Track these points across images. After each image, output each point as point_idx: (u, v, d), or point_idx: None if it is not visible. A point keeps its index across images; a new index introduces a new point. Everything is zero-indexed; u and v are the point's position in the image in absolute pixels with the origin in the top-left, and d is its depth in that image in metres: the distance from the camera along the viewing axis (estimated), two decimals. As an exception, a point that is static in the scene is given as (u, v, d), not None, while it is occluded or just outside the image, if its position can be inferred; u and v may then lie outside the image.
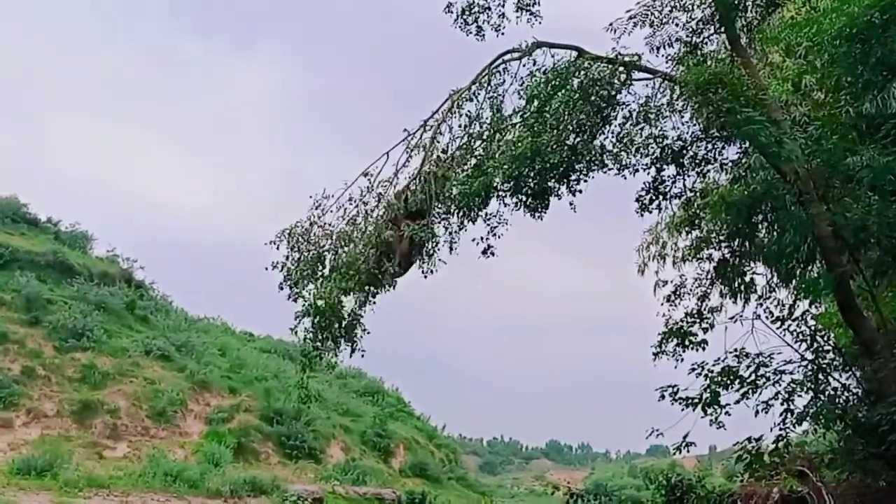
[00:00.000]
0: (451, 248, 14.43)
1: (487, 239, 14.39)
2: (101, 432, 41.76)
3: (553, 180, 13.43)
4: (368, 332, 14.53)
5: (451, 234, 14.39)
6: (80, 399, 42.62)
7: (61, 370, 44.07)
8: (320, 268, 14.29)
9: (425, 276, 14.63)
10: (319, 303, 13.56)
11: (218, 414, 47.22)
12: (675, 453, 13.79)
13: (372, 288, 14.23)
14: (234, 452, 43.33)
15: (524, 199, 13.68)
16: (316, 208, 14.48)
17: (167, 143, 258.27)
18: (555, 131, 12.78)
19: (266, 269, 14.44)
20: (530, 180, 13.25)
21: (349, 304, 14.17)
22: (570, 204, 13.97)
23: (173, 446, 42.82)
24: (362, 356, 14.68)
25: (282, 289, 14.22)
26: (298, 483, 42.07)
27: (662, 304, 15.41)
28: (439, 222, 14.32)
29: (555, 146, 12.77)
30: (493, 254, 14.44)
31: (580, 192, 13.70)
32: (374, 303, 14.45)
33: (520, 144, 12.71)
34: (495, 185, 13.20)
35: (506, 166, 12.78)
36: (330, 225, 14.47)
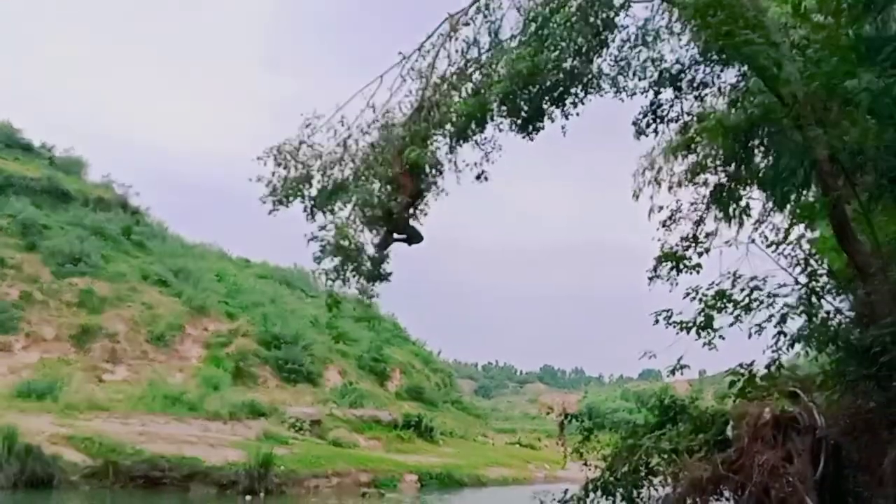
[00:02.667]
0: (456, 177, 14.33)
1: (481, 164, 14.35)
2: (100, 356, 42.20)
3: (548, 103, 13.32)
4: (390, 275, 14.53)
5: (451, 161, 14.30)
6: (79, 323, 43.00)
7: (59, 295, 44.36)
8: (308, 187, 14.18)
9: (424, 208, 14.60)
10: (343, 243, 13.46)
11: (216, 338, 47.72)
12: (667, 376, 13.89)
13: (392, 229, 14.13)
14: (232, 376, 43.95)
15: (518, 121, 13.58)
16: (306, 127, 14.34)
17: (159, 67, 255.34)
18: (552, 53, 12.62)
19: (249, 180, 14.31)
20: (525, 102, 13.14)
21: (367, 239, 14.09)
22: (562, 128, 13.88)
23: (172, 370, 43.33)
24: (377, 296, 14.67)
25: (264, 202, 14.12)
26: (296, 406, 42.73)
27: (658, 229, 15.35)
28: (438, 149, 14.22)
29: (552, 68, 12.63)
30: (486, 178, 14.40)
31: (576, 115, 13.58)
32: (393, 241, 14.38)
33: (517, 63, 12.53)
34: (491, 107, 13.08)
35: (502, 84, 12.61)
36: (320, 145, 14.34)
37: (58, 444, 28.29)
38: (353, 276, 14.05)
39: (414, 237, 14.61)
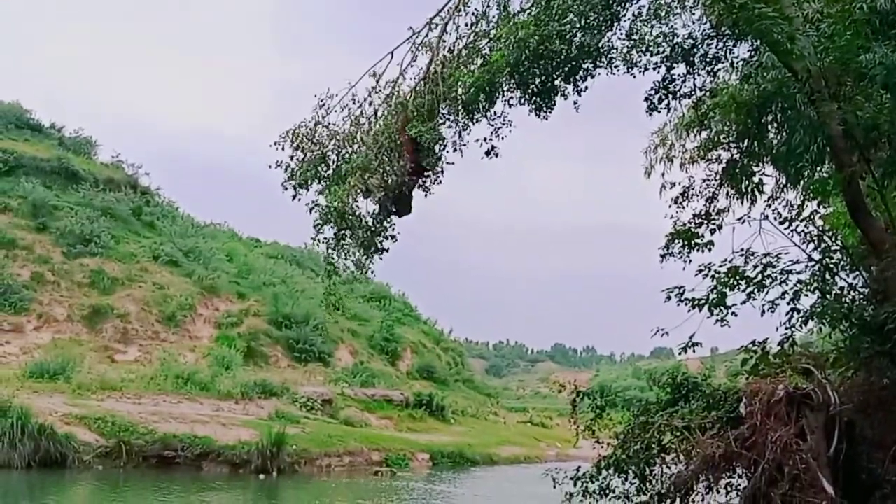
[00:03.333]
0: (460, 151, 14.28)
1: (491, 140, 14.30)
2: (111, 336, 42.44)
3: (559, 77, 13.24)
4: (395, 240, 14.49)
5: (458, 134, 14.25)
6: (90, 304, 43.20)
7: (70, 275, 44.57)
8: (324, 168, 14.19)
9: (430, 184, 14.56)
10: (336, 204, 13.44)
11: (227, 318, 47.88)
12: (680, 354, 13.82)
13: (390, 196, 14.08)
14: (243, 356, 44.07)
15: (529, 96, 13.51)
16: (320, 107, 14.35)
17: (169, 50, 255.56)
18: (560, 26, 12.54)
19: (269, 167, 14.35)
20: (535, 76, 13.05)
21: (366, 209, 14.08)
22: (574, 104, 13.80)
23: (183, 350, 43.51)
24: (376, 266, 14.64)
25: (285, 189, 14.17)
26: (308, 385, 42.86)
27: (670, 206, 15.28)
28: (445, 123, 14.15)
29: (562, 40, 12.55)
30: (496, 155, 14.36)
31: (586, 89, 13.49)
32: (394, 212, 14.36)
33: (524, 30, 12.41)
34: (500, 79, 13.00)
35: (511, 54, 12.49)
36: (334, 125, 14.35)
37: (70, 425, 28.48)
38: (351, 246, 14.10)
39: (403, 210, 14.54)
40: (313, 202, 13.82)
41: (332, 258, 14.44)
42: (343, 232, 13.84)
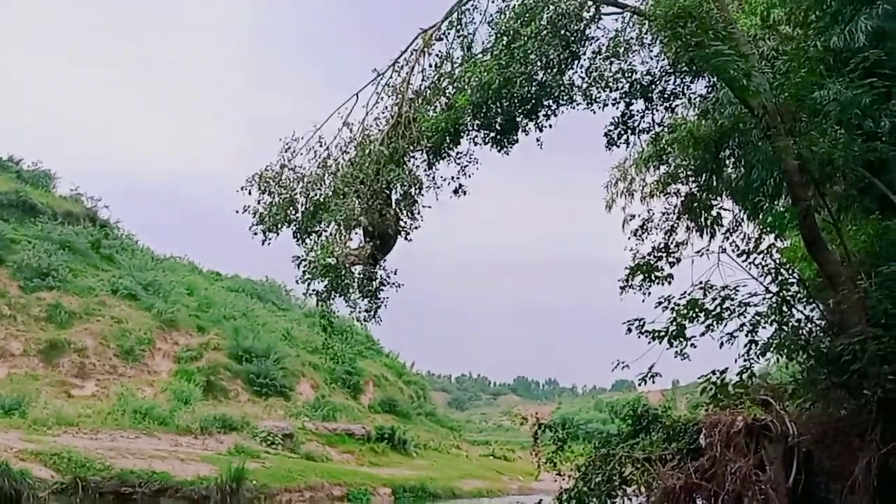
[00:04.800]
0: (435, 193, 14.39)
1: (458, 178, 14.43)
2: (68, 371, 41.74)
3: (521, 115, 13.42)
4: (395, 286, 14.49)
5: (431, 177, 14.37)
6: (47, 338, 42.49)
7: (27, 309, 43.83)
8: (293, 212, 14.18)
9: (410, 229, 14.63)
10: (330, 261, 13.39)
11: (186, 352, 47.32)
12: (640, 384, 13.95)
13: (377, 242, 14.08)
14: (203, 390, 43.56)
15: (492, 134, 13.67)
16: (286, 151, 14.37)
17: (129, 86, 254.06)
18: (523, 66, 12.70)
19: (237, 212, 14.32)
20: (498, 116, 13.22)
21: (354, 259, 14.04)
22: (537, 140, 13.98)
23: (142, 384, 42.91)
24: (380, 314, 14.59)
25: (255, 234, 14.14)
26: (269, 420, 42.44)
27: (630, 239, 15.50)
28: (417, 166, 14.26)
29: (524, 81, 12.72)
30: (464, 193, 14.53)
31: (549, 126, 13.68)
32: (383, 259, 14.37)
33: (487, 74, 12.59)
34: (465, 121, 13.14)
35: (474, 96, 12.65)
36: (301, 167, 14.36)
37: (26, 461, 27.89)
38: (343, 297, 14.03)
39: (385, 253, 14.57)
40: (299, 258, 13.70)
41: (326, 312, 14.35)
42: (337, 285, 13.74)
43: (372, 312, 14.49)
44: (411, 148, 13.83)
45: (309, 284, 13.53)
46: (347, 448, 43.59)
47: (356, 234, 13.89)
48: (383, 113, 14.46)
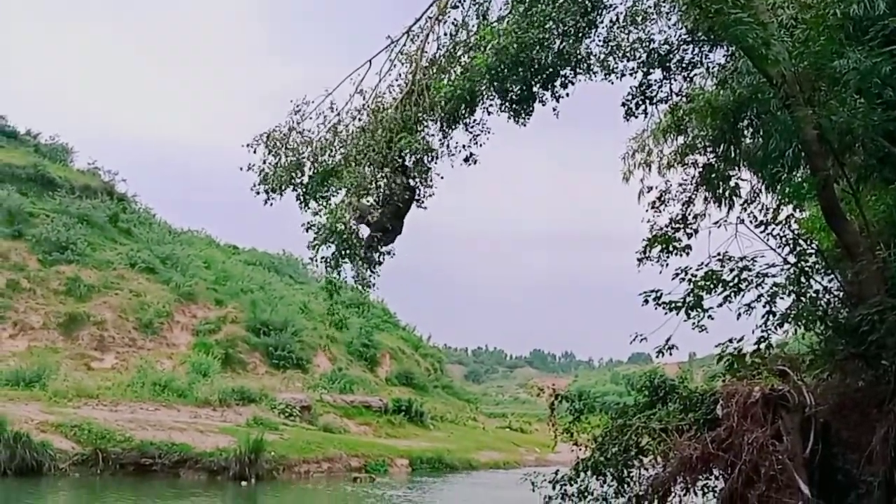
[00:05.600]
0: (450, 161, 14.31)
1: (469, 147, 14.35)
2: (87, 344, 42.18)
3: (538, 85, 13.32)
4: (389, 255, 14.44)
5: (445, 144, 14.29)
6: (66, 311, 42.93)
7: (46, 283, 44.26)
8: (299, 175, 14.12)
9: (423, 197, 14.58)
10: (338, 227, 13.35)
11: (204, 325, 47.67)
12: (657, 356, 13.89)
13: (388, 210, 14.01)
14: (221, 363, 43.87)
15: (508, 103, 13.58)
16: (295, 113, 14.29)
17: (143, 57, 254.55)
18: (540, 33, 12.59)
19: (241, 168, 14.26)
20: (515, 84, 13.12)
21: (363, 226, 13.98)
22: (554, 110, 13.87)
23: (161, 357, 43.30)
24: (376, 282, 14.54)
25: (257, 193, 14.09)
26: (286, 392, 42.78)
27: (647, 211, 15.39)
28: (429, 133, 14.17)
29: (540, 48, 12.61)
30: (475, 162, 14.44)
31: (566, 96, 13.56)
32: (397, 228, 14.32)
33: (504, 39, 12.46)
34: (480, 88, 13.04)
35: (490, 61, 12.52)
36: (310, 132, 14.29)
37: (47, 432, 28.33)
38: (350, 263, 14.01)
39: (396, 230, 14.50)
40: (309, 223, 13.67)
41: (334, 278, 14.35)
42: (344, 252, 13.72)
43: (369, 278, 14.41)
44: (425, 116, 13.74)
45: (317, 251, 13.53)
46: (365, 420, 43.93)
47: (367, 202, 13.84)
48: (397, 80, 14.36)
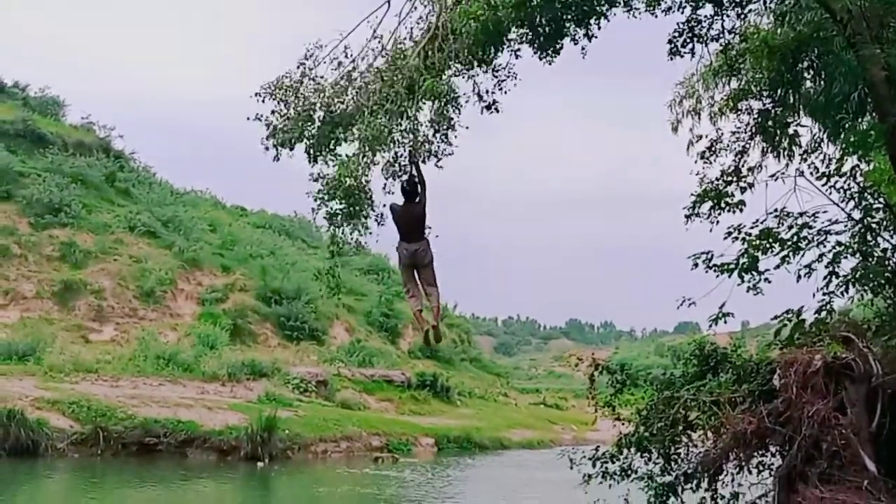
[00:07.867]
0: (480, 108, 14.19)
1: (493, 93, 14.21)
2: (84, 314, 42.50)
3: (570, 20, 13.18)
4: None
5: (473, 90, 14.17)
6: (61, 279, 43.24)
7: (39, 248, 44.57)
8: (310, 126, 14.07)
9: (442, 154, 14.51)
10: (349, 181, 13.30)
11: (211, 294, 47.91)
12: (708, 327, 13.81)
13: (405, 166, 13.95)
14: (229, 334, 44.14)
15: (536, 39, 13.43)
16: (307, 58, 14.23)
17: (142, 6, 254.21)
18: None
19: (248, 119, 14.23)
20: (544, 16, 12.97)
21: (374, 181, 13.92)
22: (582, 49, 13.73)
23: (164, 328, 43.61)
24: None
25: (266, 148, 14.08)
26: (301, 366, 43.04)
27: (696, 163, 15.22)
28: (455, 79, 14.06)
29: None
30: (497, 110, 14.33)
31: (599, 29, 13.39)
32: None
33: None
34: (507, 22, 12.90)
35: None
36: (322, 78, 14.22)
37: (42, 410, 28.58)
38: (358, 221, 13.99)
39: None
40: (318, 174, 13.66)
41: (339, 236, 14.32)
42: (353, 209, 13.69)
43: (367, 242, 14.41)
44: (449, 63, 13.66)
45: (323, 204, 13.50)
46: (386, 396, 44.16)
47: (382, 157, 13.80)
48: (418, 23, 14.27)
